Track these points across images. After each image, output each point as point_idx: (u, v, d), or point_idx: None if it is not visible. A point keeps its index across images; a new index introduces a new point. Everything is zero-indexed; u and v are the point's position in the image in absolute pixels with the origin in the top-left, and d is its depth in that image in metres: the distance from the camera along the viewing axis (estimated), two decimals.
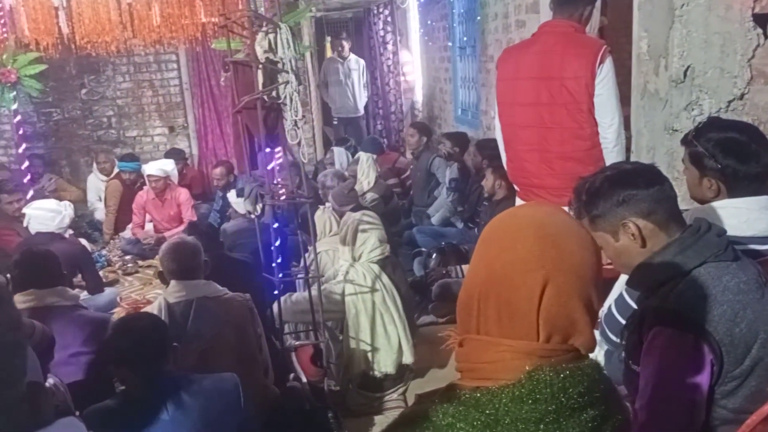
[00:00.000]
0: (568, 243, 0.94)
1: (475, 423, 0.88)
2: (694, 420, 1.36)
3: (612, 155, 2.68)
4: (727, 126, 1.77)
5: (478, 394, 0.91)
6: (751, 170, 1.66)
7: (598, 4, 2.82)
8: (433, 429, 0.91)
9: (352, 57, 8.06)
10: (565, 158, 2.78)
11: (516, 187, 3.11)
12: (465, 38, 6.05)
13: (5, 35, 5.41)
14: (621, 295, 1.90)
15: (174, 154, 6.69)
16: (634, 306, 1.72)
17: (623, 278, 2.00)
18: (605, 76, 2.62)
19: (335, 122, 8.12)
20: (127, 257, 5.42)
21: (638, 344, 1.43)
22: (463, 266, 4.21)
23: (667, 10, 2.63)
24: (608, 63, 2.62)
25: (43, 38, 5.02)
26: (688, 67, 2.59)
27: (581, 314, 0.92)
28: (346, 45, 8.01)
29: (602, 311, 1.96)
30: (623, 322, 1.78)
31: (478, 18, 5.38)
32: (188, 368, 2.36)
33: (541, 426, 0.87)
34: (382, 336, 3.13)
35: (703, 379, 1.34)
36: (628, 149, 2.97)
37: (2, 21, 5.32)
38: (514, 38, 4.52)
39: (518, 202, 3.08)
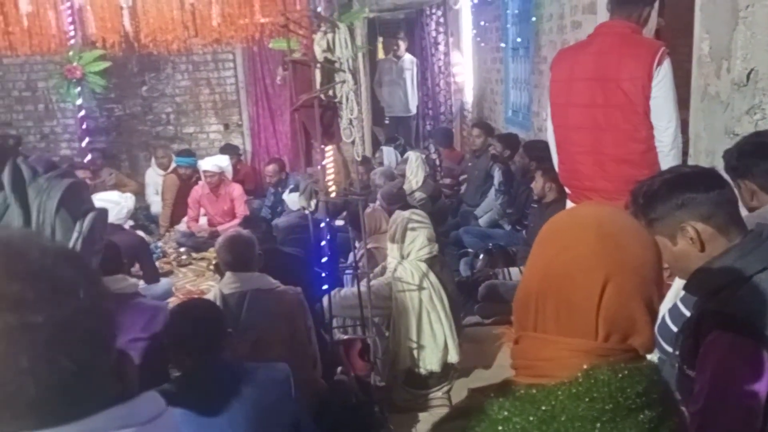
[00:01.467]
0: (629, 242, 0.94)
1: (530, 418, 0.89)
2: (750, 428, 1.33)
3: (668, 159, 2.63)
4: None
5: (534, 391, 0.92)
6: None
7: (655, 5, 2.77)
8: (488, 422, 0.92)
9: (407, 57, 8.10)
10: (619, 161, 2.74)
11: (567, 189, 3.08)
12: (518, 39, 6.00)
13: (72, 33, 5.65)
14: (675, 305, 1.87)
15: (228, 149, 6.87)
16: (689, 315, 1.70)
17: (676, 287, 1.97)
18: (663, 78, 2.57)
19: (387, 121, 8.18)
20: (182, 249, 5.60)
21: (694, 349, 1.41)
22: (511, 269, 4.19)
23: (731, 11, 2.57)
24: (666, 65, 2.57)
25: (109, 36, 5.23)
26: (752, 69, 2.52)
27: (641, 314, 0.92)
28: (402, 44, 8.06)
29: None
30: (676, 330, 1.76)
31: (533, 19, 5.33)
32: (241, 358, 2.44)
33: (598, 425, 0.87)
34: (429, 334, 3.15)
35: (762, 386, 1.32)
36: (685, 153, 2.91)
37: (70, 19, 5.56)
38: (569, 39, 4.47)
39: (569, 204, 3.05)
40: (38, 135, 7.66)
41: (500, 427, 0.90)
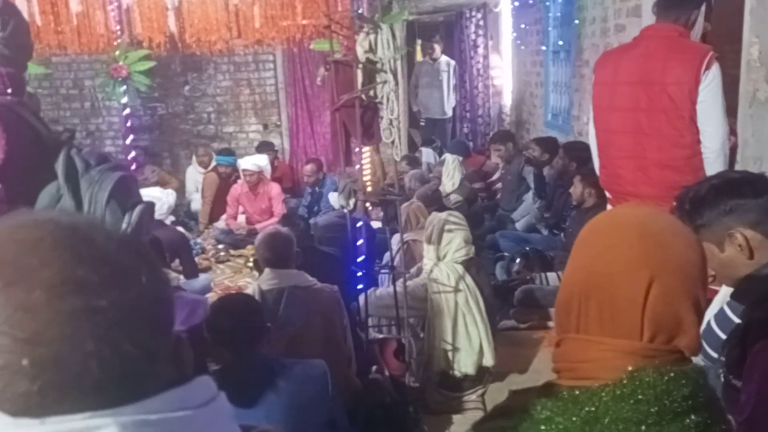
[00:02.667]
0: (673, 242, 0.93)
1: (573, 419, 0.89)
2: None
3: (714, 165, 2.57)
4: None
5: (577, 392, 0.92)
6: None
7: (702, 9, 2.72)
8: (530, 422, 0.92)
9: (443, 59, 8.09)
10: (662, 166, 2.69)
11: (608, 194, 3.04)
12: (560, 42, 5.94)
13: (119, 33, 5.79)
14: (722, 309, 1.83)
15: (265, 146, 6.97)
16: (736, 320, 1.66)
17: (723, 293, 1.92)
18: (710, 82, 2.52)
19: (422, 123, 8.17)
20: (220, 246, 5.69)
21: (741, 358, 1.38)
22: (548, 273, 4.15)
23: None
24: (714, 69, 2.52)
25: (155, 36, 5.34)
26: None
27: (688, 313, 0.91)
28: (437, 47, 8.05)
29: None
30: (723, 337, 1.72)
31: (575, 22, 5.28)
32: (278, 354, 2.47)
33: (642, 427, 0.86)
34: (464, 336, 3.14)
35: None
36: (731, 160, 2.84)
37: (117, 19, 5.69)
38: (613, 43, 4.41)
39: (609, 209, 3.02)
40: (84, 132, 7.87)
41: (543, 427, 0.89)
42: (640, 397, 0.87)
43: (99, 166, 1.53)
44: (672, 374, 0.88)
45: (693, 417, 0.88)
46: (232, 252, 5.61)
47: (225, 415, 0.57)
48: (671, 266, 0.91)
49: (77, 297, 0.47)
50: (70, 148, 1.54)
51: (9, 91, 1.53)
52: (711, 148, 2.57)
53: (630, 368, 0.88)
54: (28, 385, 0.45)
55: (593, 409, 0.88)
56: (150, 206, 1.59)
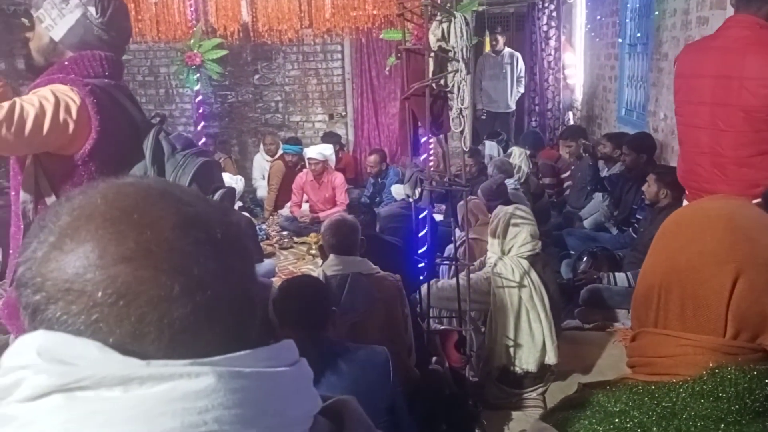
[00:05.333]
0: (761, 236, 0.89)
1: (650, 413, 0.86)
2: None
3: None
4: None
5: (653, 387, 0.89)
6: None
7: None
8: (603, 414, 0.90)
9: (506, 51, 7.95)
10: (739, 164, 2.57)
11: (685, 189, 2.93)
12: (638, 34, 5.74)
13: (194, 22, 5.98)
14: None
15: (330, 137, 7.03)
16: None
17: None
18: None
19: (483, 116, 8.05)
20: (284, 233, 5.80)
21: None
22: (617, 274, 4.03)
23: None
24: None
25: (230, 25, 5.48)
26: None
27: None
28: (501, 39, 7.91)
29: None
30: None
31: (655, 13, 5.08)
32: (339, 338, 2.50)
33: (722, 426, 0.83)
34: (526, 333, 3.09)
35: None
36: None
37: (192, 8, 5.87)
38: (694, 35, 4.22)
39: (685, 205, 2.92)
40: (157, 118, 8.16)
41: (617, 420, 0.87)
42: (720, 394, 0.83)
43: (184, 151, 1.60)
44: (755, 372, 0.84)
45: None
46: (295, 239, 5.71)
47: (307, 378, 0.60)
48: (759, 261, 0.87)
49: (197, 229, 0.53)
50: (159, 132, 1.61)
51: (106, 74, 1.60)
52: None
53: (711, 365, 0.85)
54: (182, 308, 0.50)
55: (670, 404, 0.85)
56: (231, 191, 1.65)
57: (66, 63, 1.57)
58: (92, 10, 1.56)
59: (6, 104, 1.36)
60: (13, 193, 1.59)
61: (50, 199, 1.51)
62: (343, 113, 8.00)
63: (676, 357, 0.89)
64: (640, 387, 0.90)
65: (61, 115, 1.43)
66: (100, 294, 0.49)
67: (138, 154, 1.56)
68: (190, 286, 0.50)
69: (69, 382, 0.47)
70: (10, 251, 1.65)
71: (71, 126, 1.45)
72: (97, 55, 1.58)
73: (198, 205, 0.55)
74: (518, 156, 5.53)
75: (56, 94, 1.45)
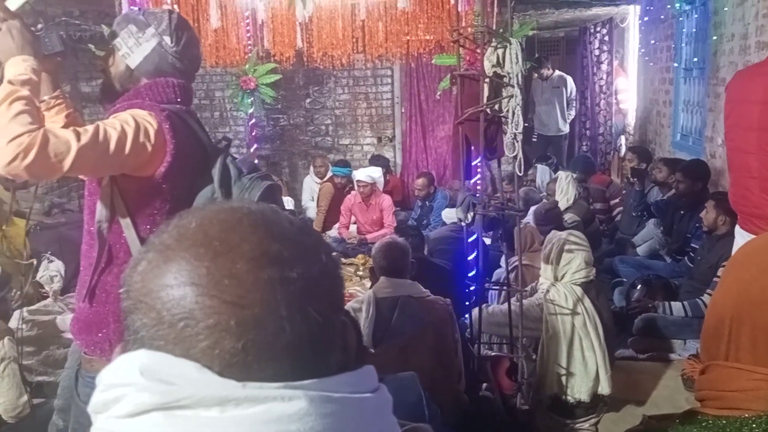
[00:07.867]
0: None
1: None
2: None
3: None
4: None
5: (724, 421, 0.87)
6: None
7: None
8: None
9: (556, 74, 7.91)
10: None
11: (738, 214, 2.89)
12: (694, 59, 5.63)
13: (250, 47, 6.15)
14: None
15: (379, 159, 7.09)
16: None
17: None
18: None
19: (534, 139, 7.99)
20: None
21: None
22: (672, 303, 3.91)
23: None
24: None
25: (285, 51, 5.61)
26: None
27: None
28: (547, 68, 7.91)
29: None
30: None
31: (713, 38, 4.98)
32: (388, 361, 2.50)
33: None
34: (579, 361, 3.03)
35: None
36: None
37: (249, 34, 6.05)
38: (753, 60, 4.13)
39: (737, 230, 2.90)
40: (224, 142, 8.37)
41: None
42: None
43: (250, 174, 1.67)
44: None
45: None
46: (343, 260, 5.73)
47: (388, 404, 0.60)
48: None
49: (273, 267, 0.53)
50: (226, 156, 1.68)
51: (179, 100, 1.68)
52: None
53: None
54: (234, 342, 0.51)
55: None
56: (291, 214, 1.69)
57: (141, 89, 1.65)
58: (167, 39, 1.64)
59: (90, 127, 1.44)
60: (87, 212, 1.66)
61: (124, 220, 1.58)
62: (392, 136, 8.07)
63: (748, 391, 0.87)
64: (710, 422, 0.88)
65: (141, 138, 1.50)
66: (165, 313, 0.52)
67: (207, 176, 1.63)
68: (246, 322, 0.51)
69: (170, 401, 0.49)
70: (81, 268, 1.72)
71: (149, 149, 1.52)
72: (171, 82, 1.66)
73: (286, 240, 0.56)
74: (565, 179, 5.45)
75: (136, 118, 1.52)
